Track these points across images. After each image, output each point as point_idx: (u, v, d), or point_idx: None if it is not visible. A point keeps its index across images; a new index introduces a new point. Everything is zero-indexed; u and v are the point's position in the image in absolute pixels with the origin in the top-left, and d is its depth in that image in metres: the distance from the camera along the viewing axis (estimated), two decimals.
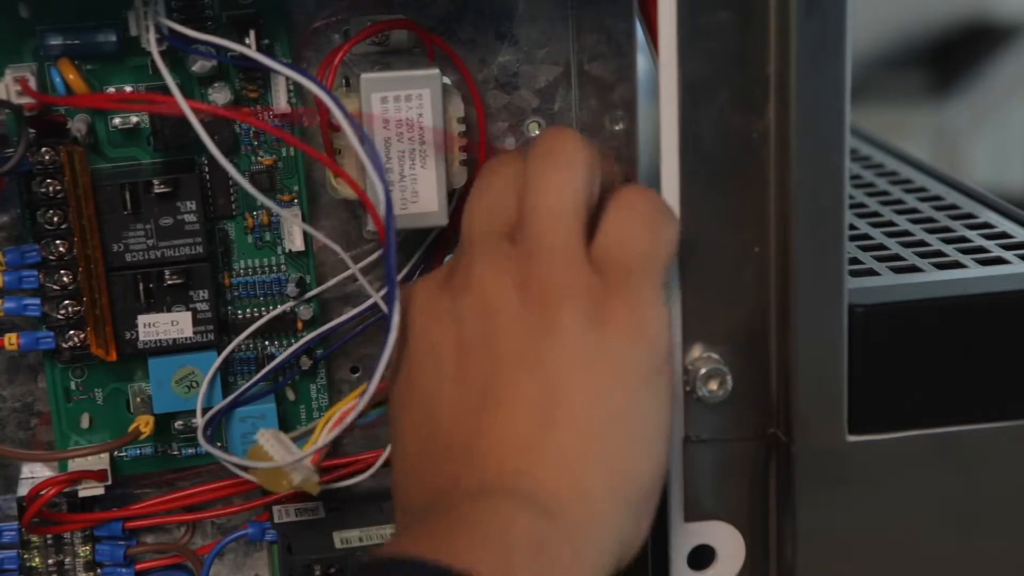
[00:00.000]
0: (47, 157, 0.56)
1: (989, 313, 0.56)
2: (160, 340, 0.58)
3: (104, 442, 0.60)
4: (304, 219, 0.60)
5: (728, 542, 0.56)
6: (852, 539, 0.56)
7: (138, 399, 0.60)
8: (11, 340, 0.58)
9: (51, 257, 0.57)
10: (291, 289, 0.60)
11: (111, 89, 0.57)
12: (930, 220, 0.66)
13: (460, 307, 0.51)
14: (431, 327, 0.52)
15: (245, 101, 0.58)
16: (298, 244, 0.60)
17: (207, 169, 0.59)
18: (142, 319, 0.58)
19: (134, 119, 0.58)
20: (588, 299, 0.50)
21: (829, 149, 0.52)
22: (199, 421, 0.59)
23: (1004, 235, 0.63)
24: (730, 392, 0.54)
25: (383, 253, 0.52)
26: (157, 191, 0.57)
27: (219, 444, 0.60)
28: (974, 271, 0.59)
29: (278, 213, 0.59)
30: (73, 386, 0.60)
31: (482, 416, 0.50)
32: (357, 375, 0.62)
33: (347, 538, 0.60)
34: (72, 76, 0.56)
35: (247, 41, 0.56)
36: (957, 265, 0.60)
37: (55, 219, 0.57)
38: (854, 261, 0.60)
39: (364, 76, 0.55)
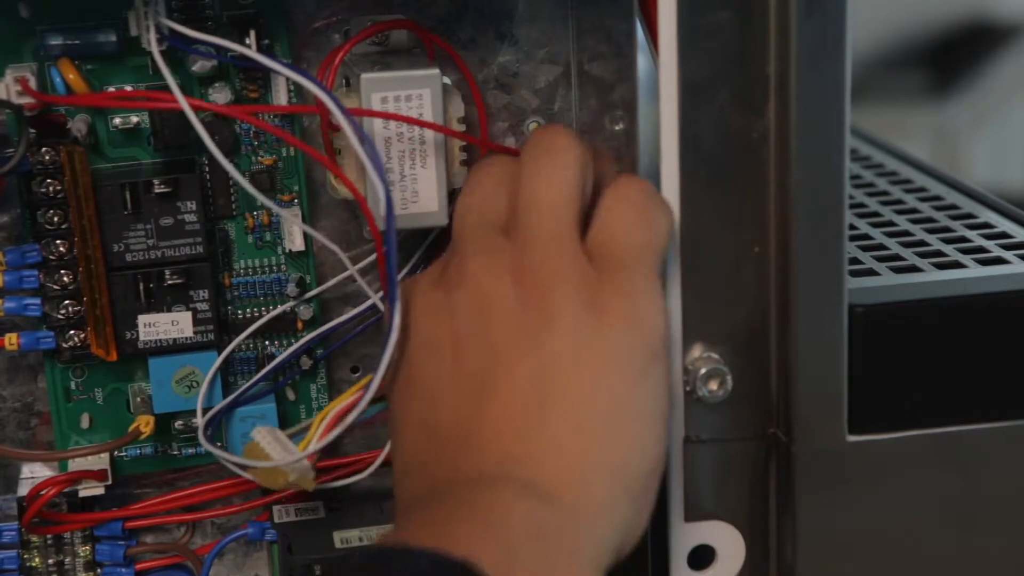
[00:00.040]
0: (47, 157, 0.56)
1: (989, 313, 0.56)
2: (160, 340, 0.58)
3: (104, 442, 0.60)
4: (304, 219, 0.60)
5: (728, 542, 0.56)
6: (852, 539, 0.56)
7: (138, 399, 0.60)
8: (11, 340, 0.58)
9: (51, 257, 0.57)
10: (291, 289, 0.60)
11: (111, 89, 0.57)
12: (930, 220, 0.66)
13: (455, 301, 0.51)
14: (427, 323, 0.52)
15: (245, 101, 0.58)
16: (298, 244, 0.60)
17: (207, 169, 0.59)
18: (142, 319, 0.58)
19: (134, 119, 0.58)
20: (583, 287, 0.50)
21: (829, 149, 0.52)
22: (199, 421, 0.59)
23: (1004, 235, 0.63)
24: (730, 392, 0.54)
25: (384, 253, 0.52)
26: (157, 191, 0.57)
27: (219, 444, 0.60)
28: (974, 271, 0.59)
29: (278, 213, 0.59)
30: (73, 386, 0.60)
31: (480, 405, 0.50)
32: (357, 375, 0.63)
33: (347, 538, 0.60)
34: (72, 76, 0.56)
35: (247, 41, 0.56)
36: (957, 265, 0.60)
37: (55, 219, 0.57)
38: (854, 261, 0.60)
39: (364, 76, 0.55)
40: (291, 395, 0.62)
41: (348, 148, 0.55)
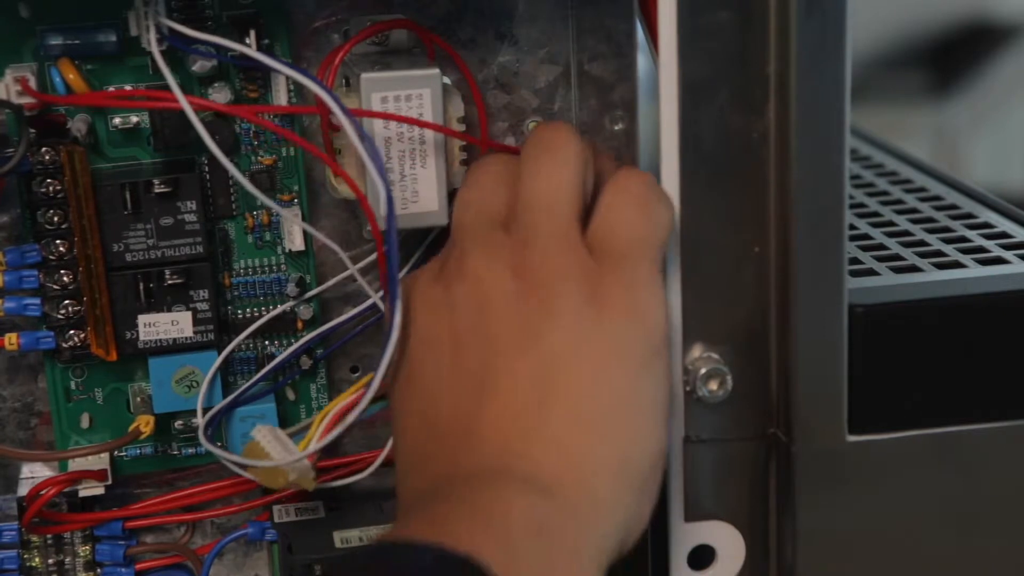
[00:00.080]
0: (47, 157, 0.56)
1: (989, 313, 0.56)
2: (160, 340, 0.58)
3: (104, 442, 0.60)
4: (304, 219, 0.60)
5: (728, 542, 0.56)
6: (852, 539, 0.56)
7: (138, 399, 0.60)
8: (11, 340, 0.58)
9: (51, 257, 0.57)
10: (291, 289, 0.60)
11: (111, 89, 0.57)
12: (930, 220, 0.66)
13: (454, 296, 0.51)
14: (426, 318, 0.52)
15: (245, 101, 0.58)
16: (298, 244, 0.60)
17: (207, 169, 0.59)
18: (142, 319, 0.58)
19: (134, 119, 0.58)
20: (583, 281, 0.50)
21: (829, 149, 0.52)
22: (199, 421, 0.59)
23: (1004, 235, 0.63)
24: (730, 392, 0.54)
25: (385, 253, 0.52)
26: (157, 191, 0.57)
27: (219, 444, 0.60)
28: (974, 271, 0.59)
29: (278, 213, 0.59)
30: (73, 386, 0.60)
31: (480, 401, 0.50)
32: (357, 375, 0.63)
33: (347, 538, 0.60)
34: (72, 76, 0.56)
35: (247, 41, 0.56)
36: (957, 265, 0.60)
37: (55, 219, 0.57)
38: (854, 261, 0.60)
39: (364, 76, 0.55)
40: (291, 395, 0.62)
41: (348, 148, 0.55)
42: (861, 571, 0.57)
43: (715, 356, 0.54)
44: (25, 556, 0.61)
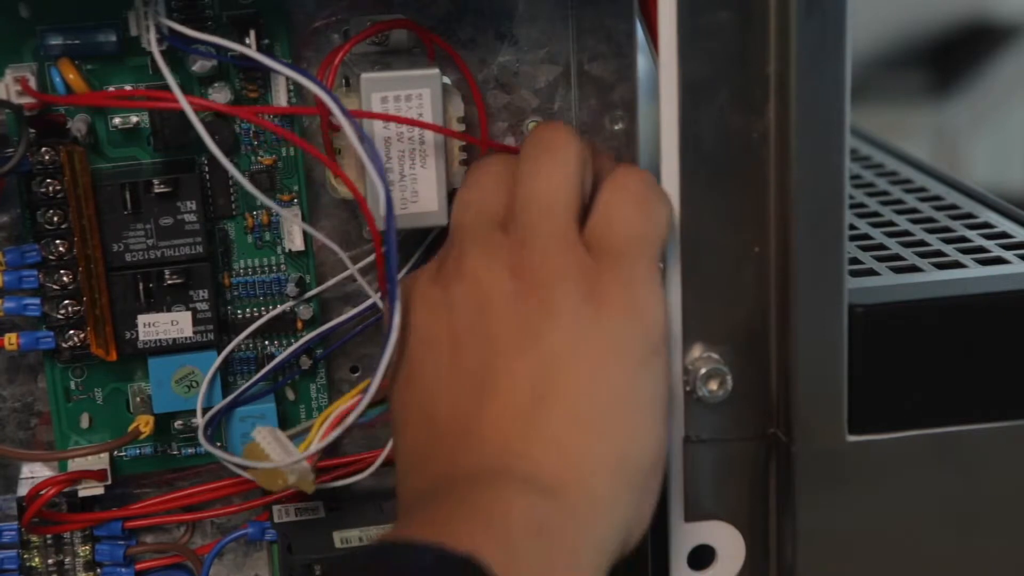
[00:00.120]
0: (47, 157, 0.56)
1: (989, 313, 0.56)
2: (160, 340, 0.58)
3: (104, 442, 0.60)
4: (304, 219, 0.60)
5: (728, 542, 0.56)
6: (852, 539, 0.56)
7: (138, 399, 0.60)
8: (11, 340, 0.58)
9: (51, 257, 0.57)
10: (291, 289, 0.60)
11: (111, 89, 0.57)
12: (930, 220, 0.66)
13: (452, 296, 0.51)
14: (425, 318, 0.52)
15: (245, 101, 0.58)
16: (298, 244, 0.60)
17: (207, 169, 0.59)
18: (142, 319, 0.58)
19: (134, 119, 0.58)
20: (581, 279, 0.50)
21: (829, 149, 0.52)
22: (199, 421, 0.59)
23: (1004, 235, 0.63)
24: (730, 392, 0.54)
25: (384, 253, 0.52)
26: (157, 191, 0.57)
27: (219, 444, 0.60)
28: (974, 271, 0.59)
29: (278, 213, 0.59)
30: (73, 386, 0.60)
31: (479, 402, 0.50)
32: (357, 375, 0.63)
33: (347, 538, 0.60)
34: (72, 76, 0.56)
35: (247, 41, 0.56)
36: (957, 265, 0.60)
37: (55, 219, 0.57)
38: (854, 261, 0.60)
39: (364, 76, 0.55)
40: (291, 395, 0.62)
41: (348, 148, 0.55)
42: (861, 571, 0.57)
43: (715, 356, 0.54)
44: (25, 556, 0.61)
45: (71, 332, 0.58)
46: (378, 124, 0.55)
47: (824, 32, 0.51)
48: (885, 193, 0.71)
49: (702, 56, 0.52)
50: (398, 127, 0.55)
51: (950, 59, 1.94)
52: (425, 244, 0.60)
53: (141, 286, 0.58)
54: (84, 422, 0.60)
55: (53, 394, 0.60)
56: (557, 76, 0.60)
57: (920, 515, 0.57)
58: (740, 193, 0.53)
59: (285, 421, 0.61)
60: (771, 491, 0.56)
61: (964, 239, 0.63)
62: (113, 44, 0.56)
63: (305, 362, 0.61)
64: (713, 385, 0.54)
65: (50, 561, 0.61)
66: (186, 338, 0.59)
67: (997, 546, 0.58)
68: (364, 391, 0.53)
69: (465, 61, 0.59)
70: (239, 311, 0.60)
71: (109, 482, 0.60)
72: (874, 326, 0.55)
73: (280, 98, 0.58)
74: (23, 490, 0.60)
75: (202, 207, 0.58)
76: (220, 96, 0.57)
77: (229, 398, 0.60)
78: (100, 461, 0.60)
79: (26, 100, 0.55)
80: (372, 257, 0.59)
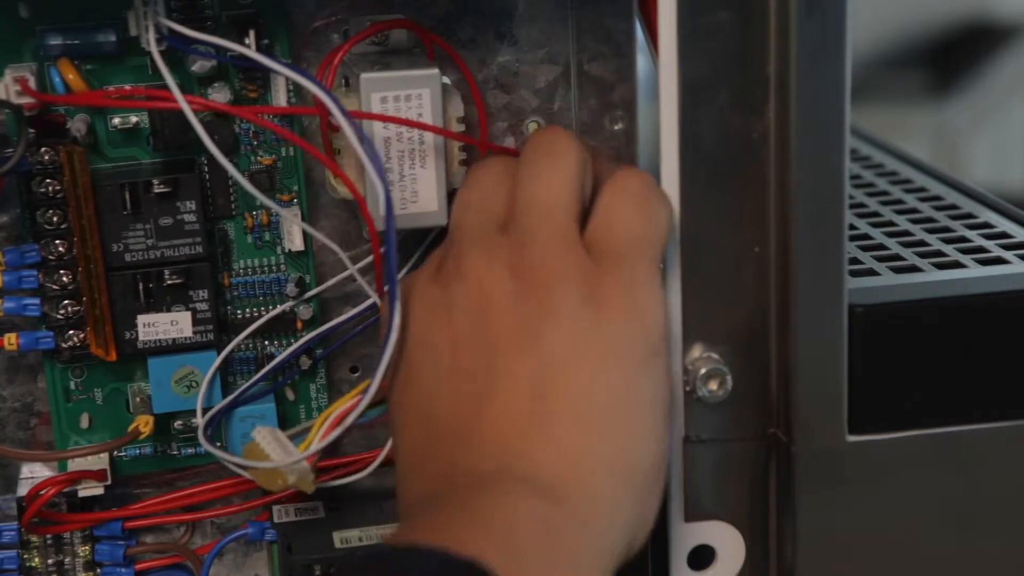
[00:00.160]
0: (47, 157, 0.56)
1: (989, 313, 0.56)
2: (160, 340, 0.58)
3: (104, 442, 0.60)
4: (304, 219, 0.60)
5: (728, 542, 0.56)
6: (852, 539, 0.56)
7: (138, 399, 0.60)
8: (11, 340, 0.58)
9: (51, 257, 0.57)
10: (291, 289, 0.60)
11: (111, 89, 0.57)
12: (930, 220, 0.66)
13: (452, 296, 0.51)
14: (424, 319, 0.52)
15: (245, 101, 0.58)
16: (298, 244, 0.60)
17: (207, 169, 0.59)
18: (142, 319, 0.58)
19: (134, 119, 0.58)
20: (582, 281, 0.50)
21: (829, 149, 0.52)
22: (199, 421, 0.59)
23: (1004, 235, 0.63)
24: (730, 392, 0.54)
25: (383, 254, 0.52)
26: (157, 191, 0.57)
27: (219, 444, 0.60)
28: (974, 271, 0.59)
29: (278, 213, 0.59)
30: (73, 386, 0.60)
31: (479, 403, 0.50)
32: (357, 375, 0.62)
33: (347, 538, 0.60)
34: (72, 76, 0.56)
35: (247, 41, 0.56)
36: (957, 265, 0.60)
37: (55, 219, 0.57)
38: (854, 261, 0.60)
39: (364, 76, 0.55)
40: (291, 395, 0.62)
41: (348, 148, 0.55)
42: (861, 571, 0.57)
43: (715, 356, 0.54)
44: (25, 556, 0.61)
45: (71, 332, 0.58)
46: (378, 124, 0.55)
47: (824, 32, 0.51)
48: (885, 193, 0.71)
49: (702, 56, 0.52)
50: (398, 127, 0.55)
51: (950, 59, 1.94)
52: (425, 244, 0.60)
53: (141, 286, 0.58)
54: (84, 422, 0.60)
55: (53, 394, 0.60)
56: (557, 76, 0.60)
57: (920, 515, 0.57)
58: (740, 193, 0.53)
59: (285, 421, 0.61)
60: (771, 491, 0.56)
61: (964, 239, 0.63)
62: (113, 44, 0.56)
63: (305, 362, 0.61)
64: (713, 385, 0.54)
65: (50, 561, 0.61)
66: (186, 338, 0.59)
67: (997, 546, 0.58)
68: (364, 391, 0.53)
69: (465, 61, 0.59)
70: (239, 311, 0.60)
71: (109, 482, 0.60)
72: (874, 326, 0.55)
73: (280, 98, 0.58)
74: (23, 490, 0.60)
75: (202, 207, 0.58)
76: (220, 96, 0.57)
77: (229, 398, 0.60)
78: (100, 461, 0.60)
79: (26, 100, 0.55)
80: (372, 257, 0.59)
